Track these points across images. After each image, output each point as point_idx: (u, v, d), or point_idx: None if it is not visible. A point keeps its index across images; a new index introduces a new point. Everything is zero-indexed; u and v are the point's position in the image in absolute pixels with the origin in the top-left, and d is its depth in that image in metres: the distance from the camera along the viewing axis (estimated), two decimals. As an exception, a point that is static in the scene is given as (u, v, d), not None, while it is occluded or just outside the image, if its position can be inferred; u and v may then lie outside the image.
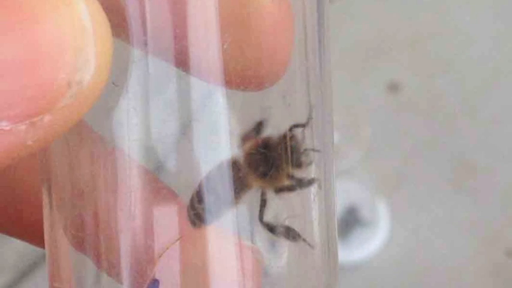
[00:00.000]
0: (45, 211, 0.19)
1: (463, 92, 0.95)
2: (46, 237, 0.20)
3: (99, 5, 0.15)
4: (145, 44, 0.17)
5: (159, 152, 0.19)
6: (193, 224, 0.19)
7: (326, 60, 0.20)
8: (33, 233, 0.22)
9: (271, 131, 0.20)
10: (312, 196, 0.20)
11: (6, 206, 0.22)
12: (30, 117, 0.15)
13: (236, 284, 0.19)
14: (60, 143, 0.19)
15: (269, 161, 0.19)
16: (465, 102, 0.95)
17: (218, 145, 0.19)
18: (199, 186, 0.19)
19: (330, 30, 0.20)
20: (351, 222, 0.90)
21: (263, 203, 0.20)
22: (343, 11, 0.98)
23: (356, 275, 0.88)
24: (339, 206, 0.89)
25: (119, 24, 0.17)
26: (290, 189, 0.20)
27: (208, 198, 0.19)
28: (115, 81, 0.17)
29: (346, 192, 0.91)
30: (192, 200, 0.19)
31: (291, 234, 0.20)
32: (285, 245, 0.20)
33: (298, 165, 0.20)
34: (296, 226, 0.20)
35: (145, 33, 0.17)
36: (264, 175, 0.19)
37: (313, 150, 0.20)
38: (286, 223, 0.20)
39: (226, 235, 0.19)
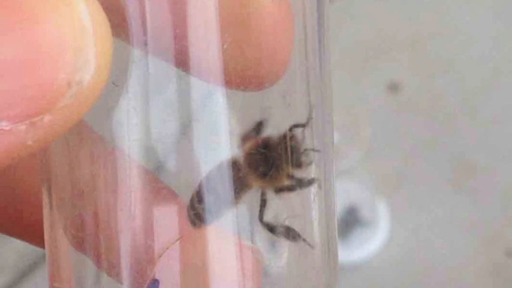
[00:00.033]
0: (45, 211, 0.19)
1: (463, 92, 0.95)
2: (46, 237, 0.20)
3: (99, 5, 0.15)
4: (145, 44, 0.17)
5: (159, 152, 0.19)
6: (193, 224, 0.19)
7: (326, 60, 0.20)
8: (33, 233, 0.22)
9: (271, 131, 0.20)
10: (312, 196, 0.20)
11: (6, 206, 0.22)
12: (30, 117, 0.15)
13: (236, 284, 0.19)
14: (60, 143, 0.19)
15: (269, 161, 0.19)
16: (465, 102, 0.95)
17: (218, 145, 0.19)
18: (199, 186, 0.19)
19: (330, 30, 0.20)
20: (351, 222, 0.90)
21: (263, 203, 0.20)
22: (343, 11, 0.98)
23: (356, 275, 0.88)
24: (339, 206, 0.89)
25: (119, 24, 0.17)
26: (290, 189, 0.20)
27: (208, 198, 0.19)
28: (115, 81, 0.17)
29: (346, 192, 0.91)
30: (192, 200, 0.19)
31: (291, 234, 0.20)
32: (285, 245, 0.20)
33: (298, 165, 0.20)
34: (296, 226, 0.20)
35: (145, 33, 0.17)
36: (264, 175, 0.19)
37: (313, 150, 0.20)
38: (286, 223, 0.20)
39: (226, 235, 0.19)
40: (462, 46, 0.97)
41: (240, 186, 0.19)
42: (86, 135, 0.18)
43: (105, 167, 0.19)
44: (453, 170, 0.92)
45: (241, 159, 0.19)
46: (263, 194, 0.20)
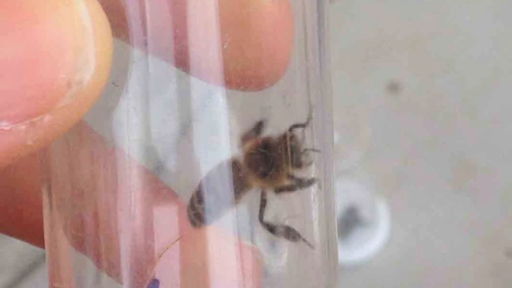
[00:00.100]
0: (45, 211, 0.19)
1: (463, 92, 0.95)
2: (46, 237, 0.20)
3: (99, 5, 0.15)
4: (145, 44, 0.17)
5: (159, 152, 0.19)
6: (193, 224, 0.19)
7: (326, 60, 0.20)
8: (33, 233, 0.22)
9: (271, 131, 0.20)
10: (312, 196, 0.20)
11: (6, 206, 0.22)
12: (30, 117, 0.15)
13: (236, 284, 0.19)
14: (60, 143, 0.19)
15: (269, 161, 0.19)
16: (465, 102, 0.95)
17: (218, 145, 0.19)
18: (199, 186, 0.19)
19: (330, 30, 0.20)
20: (351, 222, 0.90)
21: (263, 203, 0.20)
22: (343, 11, 0.98)
23: (356, 275, 0.88)
24: (339, 206, 0.89)
25: (119, 24, 0.17)
26: (290, 189, 0.20)
27: (208, 198, 0.19)
28: (115, 81, 0.17)
29: (346, 192, 0.91)
30: (192, 200, 0.19)
31: (291, 234, 0.20)
32: (285, 245, 0.20)
33: (298, 165, 0.20)
34: (296, 226, 0.20)
35: (145, 33, 0.17)
36: (264, 175, 0.19)
37: (313, 150, 0.20)
38: (286, 223, 0.20)
39: (226, 235, 0.19)
40: (462, 46, 0.97)
41: (240, 186, 0.19)
42: (86, 135, 0.18)
43: (105, 167, 0.19)
44: (453, 170, 0.92)
45: (241, 159, 0.19)
46: (263, 194, 0.20)
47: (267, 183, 0.20)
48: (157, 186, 0.19)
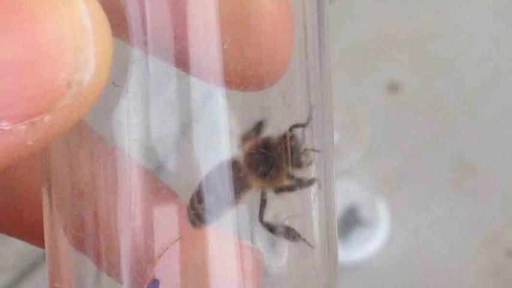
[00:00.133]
0: (45, 211, 0.19)
1: (463, 92, 0.95)
2: (46, 237, 0.20)
3: (99, 5, 0.15)
4: (145, 44, 0.17)
5: (159, 152, 0.19)
6: (193, 224, 0.19)
7: (326, 60, 0.20)
8: (33, 233, 0.22)
9: (271, 131, 0.20)
10: (312, 196, 0.20)
11: (6, 206, 0.22)
12: (30, 117, 0.15)
13: (236, 284, 0.19)
14: (60, 143, 0.19)
15: (269, 161, 0.19)
16: (465, 102, 0.95)
17: (218, 145, 0.19)
18: (199, 186, 0.19)
19: (330, 30, 0.20)
20: (351, 222, 0.90)
21: (263, 203, 0.20)
22: (343, 11, 0.98)
23: (356, 275, 0.88)
24: (339, 206, 0.89)
25: (119, 24, 0.17)
26: (290, 189, 0.20)
27: (208, 198, 0.19)
28: (115, 81, 0.17)
29: (346, 192, 0.91)
30: (192, 200, 0.19)
31: (291, 234, 0.20)
32: (285, 245, 0.20)
33: (298, 165, 0.20)
34: (296, 226, 0.20)
35: (145, 33, 0.17)
36: (264, 175, 0.19)
37: (313, 150, 0.20)
38: (286, 223, 0.20)
39: (226, 235, 0.19)
40: (462, 46, 0.97)
41: (240, 186, 0.19)
42: (86, 135, 0.18)
43: (105, 167, 0.19)
44: (453, 170, 0.92)
45: (241, 159, 0.19)
46: (263, 194, 0.20)
47: (267, 183, 0.20)
48: (157, 186, 0.19)
